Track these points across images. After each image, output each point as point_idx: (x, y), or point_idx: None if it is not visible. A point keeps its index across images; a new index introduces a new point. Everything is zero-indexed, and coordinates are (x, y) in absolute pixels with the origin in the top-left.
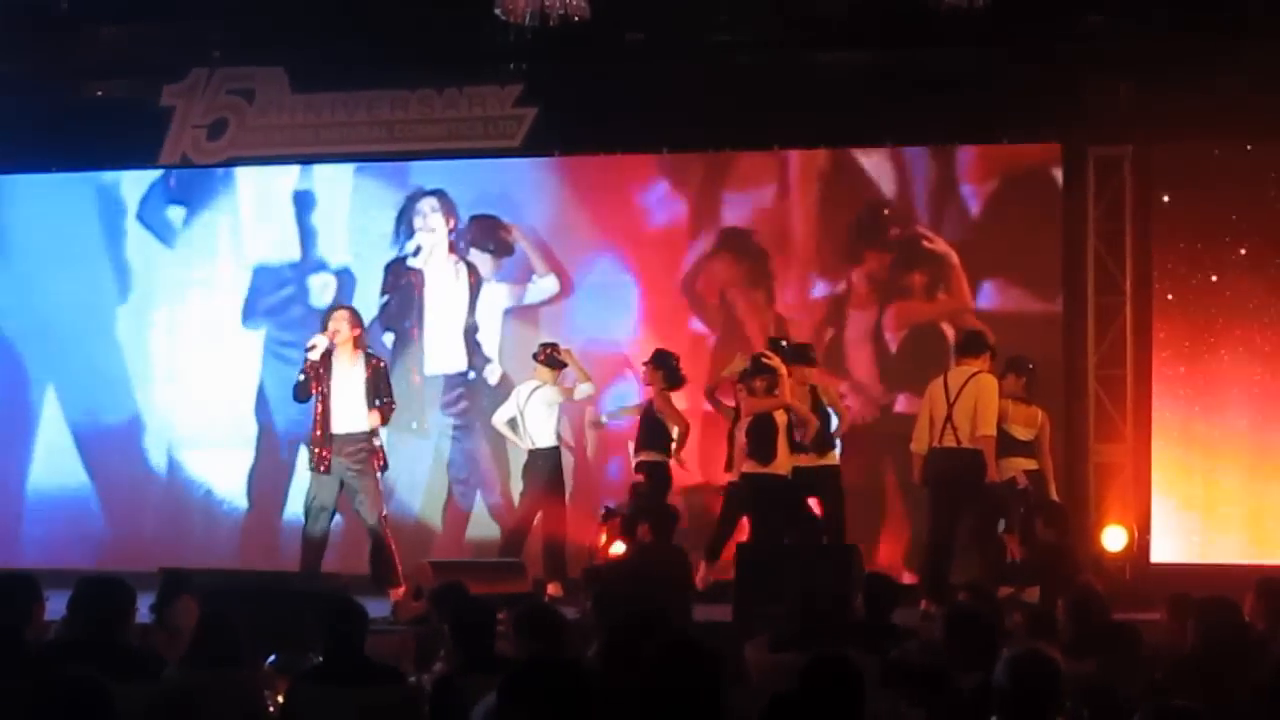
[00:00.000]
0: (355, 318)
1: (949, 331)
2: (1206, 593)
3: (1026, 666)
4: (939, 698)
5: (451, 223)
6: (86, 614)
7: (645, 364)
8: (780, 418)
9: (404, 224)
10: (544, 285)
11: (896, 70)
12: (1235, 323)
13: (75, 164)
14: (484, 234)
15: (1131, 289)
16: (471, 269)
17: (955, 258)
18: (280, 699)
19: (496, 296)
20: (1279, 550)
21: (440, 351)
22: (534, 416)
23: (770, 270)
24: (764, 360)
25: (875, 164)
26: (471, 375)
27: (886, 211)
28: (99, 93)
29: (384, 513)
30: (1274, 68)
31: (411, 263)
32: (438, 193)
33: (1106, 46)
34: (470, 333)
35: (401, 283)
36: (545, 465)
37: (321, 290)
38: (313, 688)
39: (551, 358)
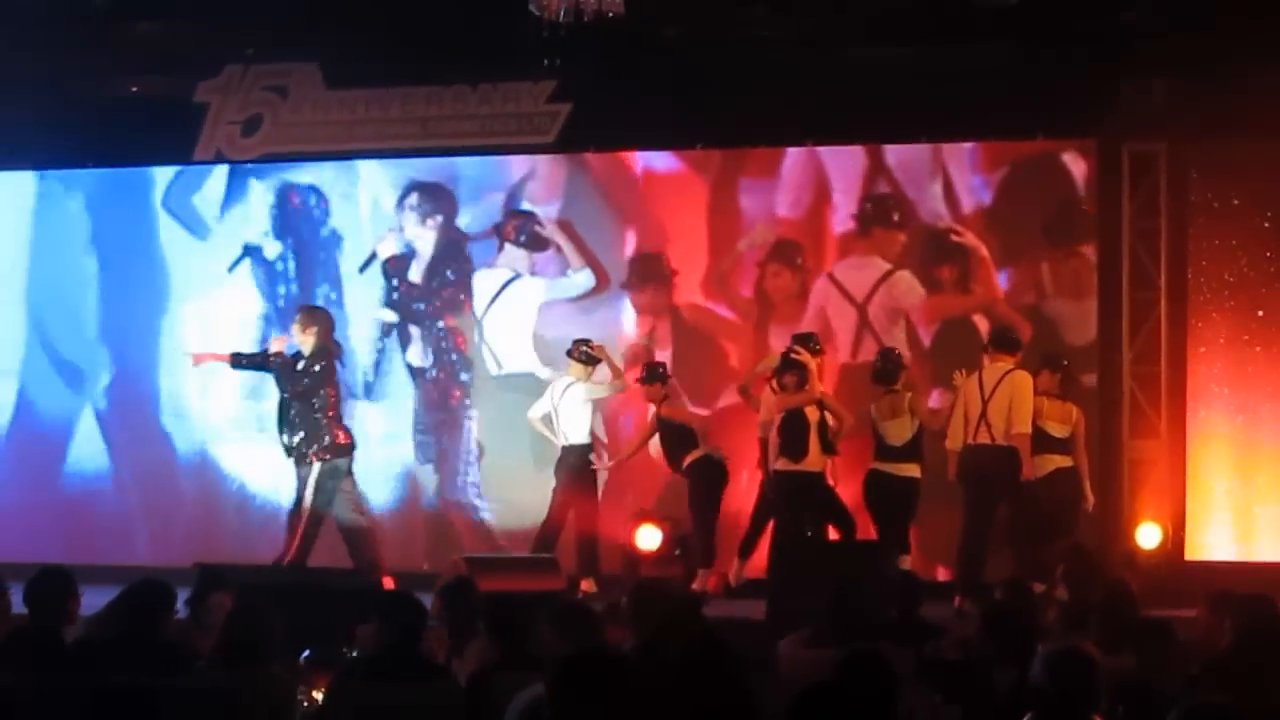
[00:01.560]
0: (308, 319)
1: (982, 324)
2: (1245, 592)
3: (1065, 663)
4: (975, 694)
5: (439, 217)
6: (128, 612)
7: (640, 382)
8: (812, 414)
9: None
10: (579, 280)
11: (931, 67)
12: (1271, 319)
13: (110, 160)
14: (519, 229)
15: (1166, 285)
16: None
17: (984, 250)
18: (317, 694)
19: (532, 291)
20: None
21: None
22: (568, 413)
23: (804, 264)
24: (793, 356)
25: (907, 157)
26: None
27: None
28: (134, 89)
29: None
30: None
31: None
32: (425, 187)
33: (1141, 43)
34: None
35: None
36: (578, 462)
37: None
38: (360, 683)
39: (586, 354)
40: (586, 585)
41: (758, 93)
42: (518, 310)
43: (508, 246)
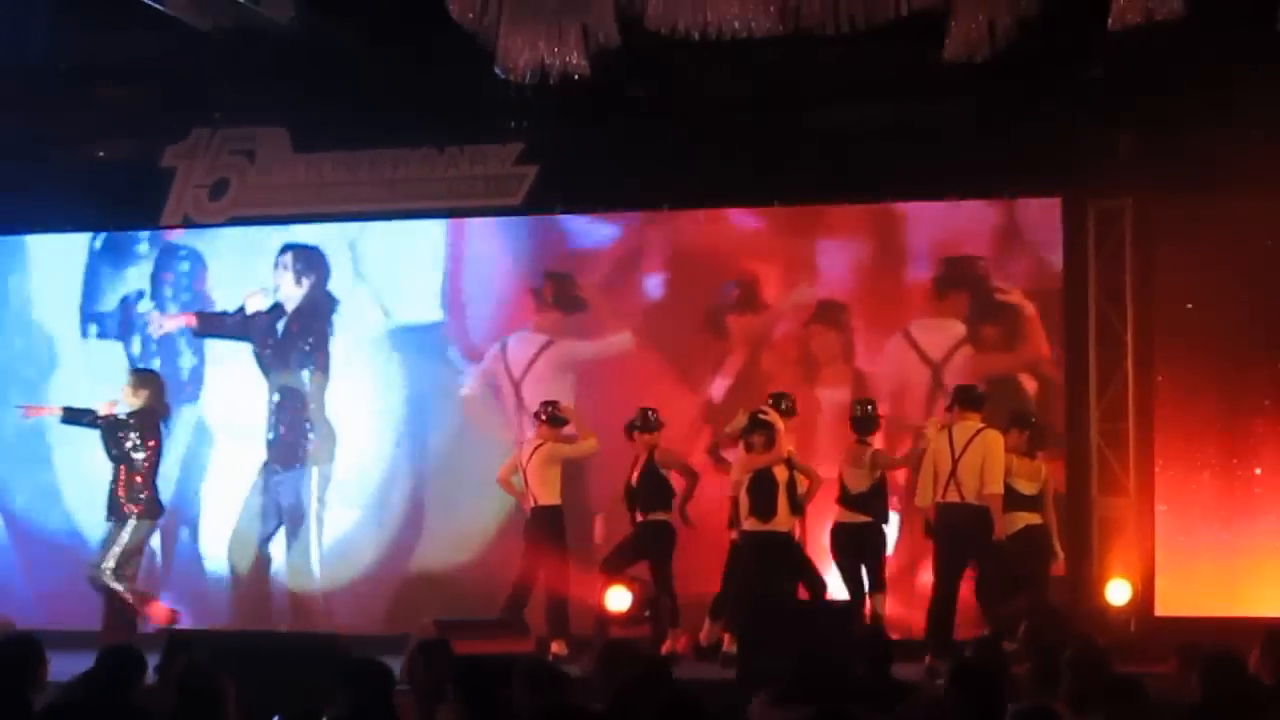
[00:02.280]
0: (139, 382)
1: (1028, 383)
2: (1212, 645)
3: None
4: None
5: (306, 282)
6: (97, 679)
7: (629, 430)
8: (780, 474)
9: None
10: (617, 341)
11: (897, 125)
12: (1237, 374)
13: (78, 225)
14: (555, 291)
15: (1133, 341)
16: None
17: (1030, 308)
18: None
19: (569, 353)
20: None
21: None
22: (536, 474)
23: (850, 324)
24: (761, 416)
25: (941, 215)
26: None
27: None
28: (101, 154)
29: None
30: (1274, 119)
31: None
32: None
33: (1107, 99)
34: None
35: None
36: (548, 523)
37: None
38: None
39: (554, 415)
40: (557, 647)
41: (722, 152)
42: (555, 373)
43: (544, 309)
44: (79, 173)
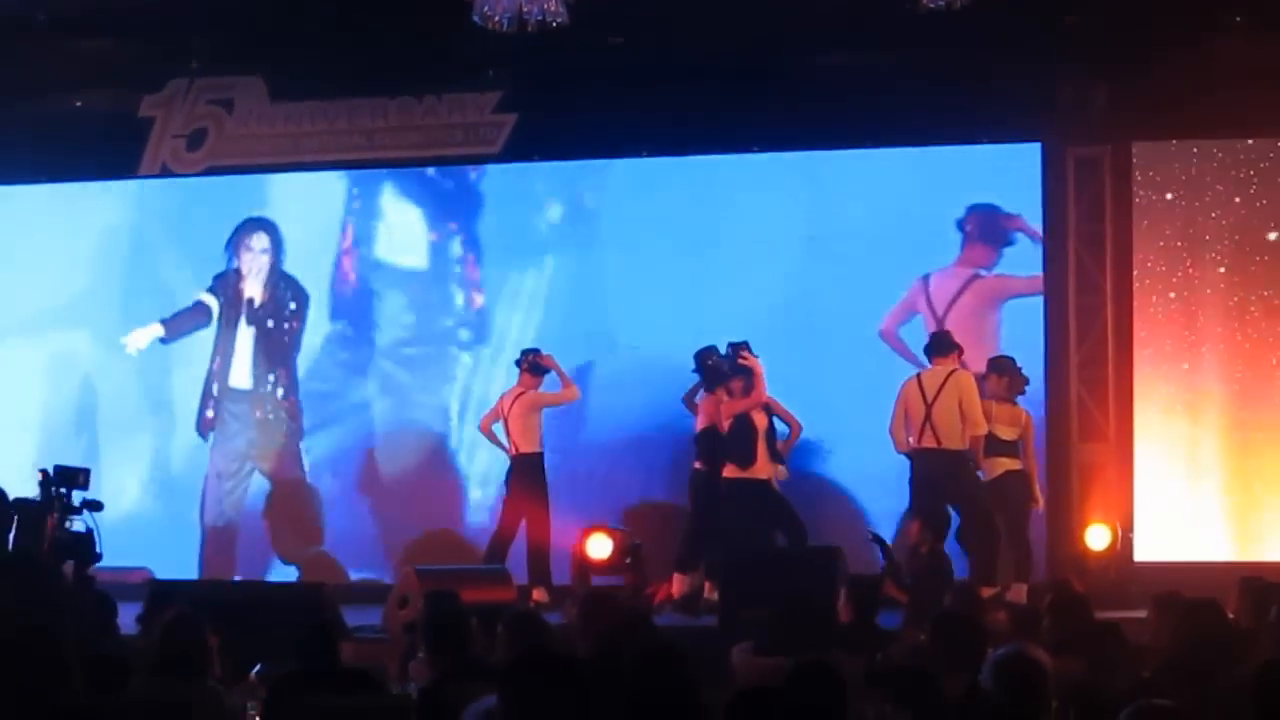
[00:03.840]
0: None
1: None
2: (1191, 591)
3: (1014, 667)
4: (925, 700)
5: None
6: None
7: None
8: (759, 421)
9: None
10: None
11: (876, 72)
12: (1216, 320)
13: (55, 176)
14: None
15: (1112, 289)
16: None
17: None
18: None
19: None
20: (1262, 548)
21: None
22: (518, 422)
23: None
24: (740, 361)
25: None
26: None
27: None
28: (78, 104)
29: None
30: (1250, 66)
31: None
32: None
33: (1084, 47)
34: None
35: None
36: (529, 471)
37: None
38: (290, 696)
39: (535, 364)
40: (538, 595)
41: (701, 101)
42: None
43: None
44: (56, 123)
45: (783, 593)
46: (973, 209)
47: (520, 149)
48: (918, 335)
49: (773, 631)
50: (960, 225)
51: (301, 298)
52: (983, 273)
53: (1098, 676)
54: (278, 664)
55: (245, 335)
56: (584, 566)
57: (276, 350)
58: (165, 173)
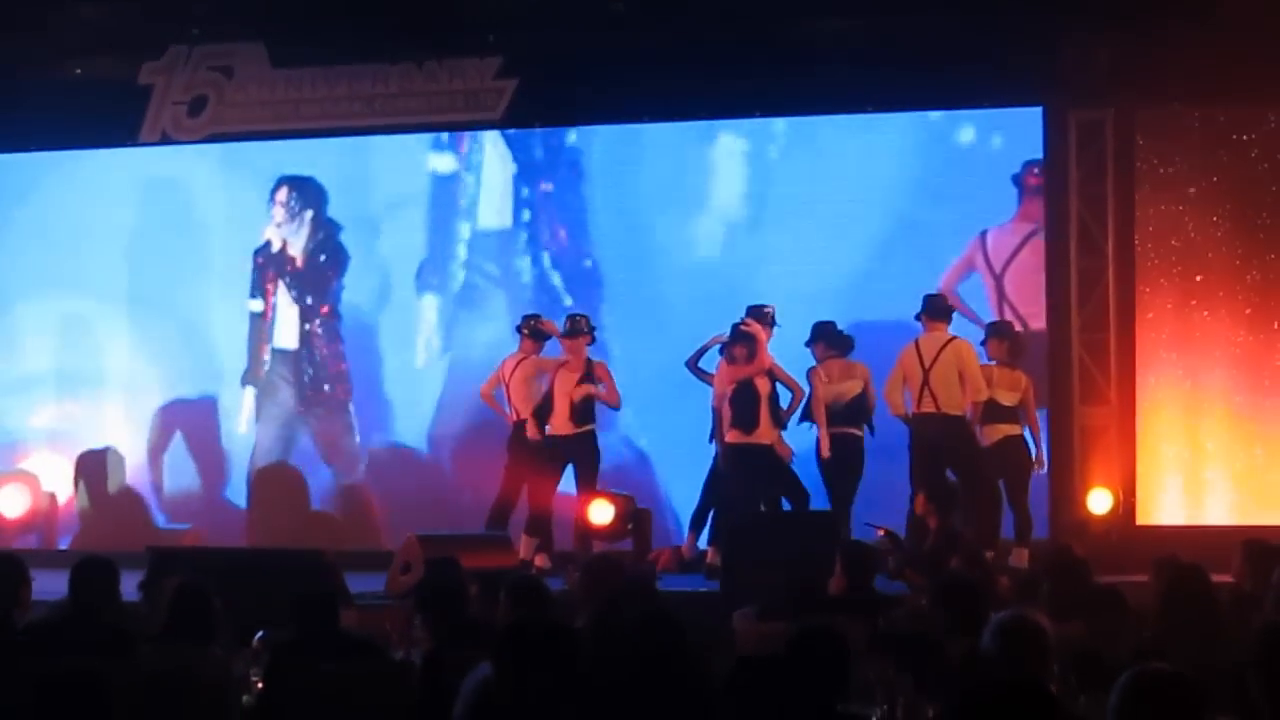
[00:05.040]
0: None
1: None
2: (1191, 555)
3: (1015, 632)
4: (927, 664)
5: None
6: (73, 593)
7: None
8: (762, 386)
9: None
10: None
11: (879, 36)
12: (1218, 284)
13: (55, 143)
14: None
15: (1114, 252)
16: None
17: None
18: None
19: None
20: (1264, 511)
21: None
22: (518, 389)
23: None
24: (743, 328)
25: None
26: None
27: None
28: (78, 71)
29: None
30: (1254, 28)
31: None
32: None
33: (1086, 10)
34: None
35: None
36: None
37: None
38: (291, 662)
39: (535, 330)
40: (540, 561)
41: (704, 67)
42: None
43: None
44: (56, 90)
45: (784, 558)
46: (1030, 164)
47: (521, 115)
48: (977, 292)
49: (773, 597)
50: (1017, 180)
51: (342, 256)
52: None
53: (1098, 640)
54: (280, 630)
55: (286, 294)
56: (586, 532)
57: (317, 309)
58: (165, 140)
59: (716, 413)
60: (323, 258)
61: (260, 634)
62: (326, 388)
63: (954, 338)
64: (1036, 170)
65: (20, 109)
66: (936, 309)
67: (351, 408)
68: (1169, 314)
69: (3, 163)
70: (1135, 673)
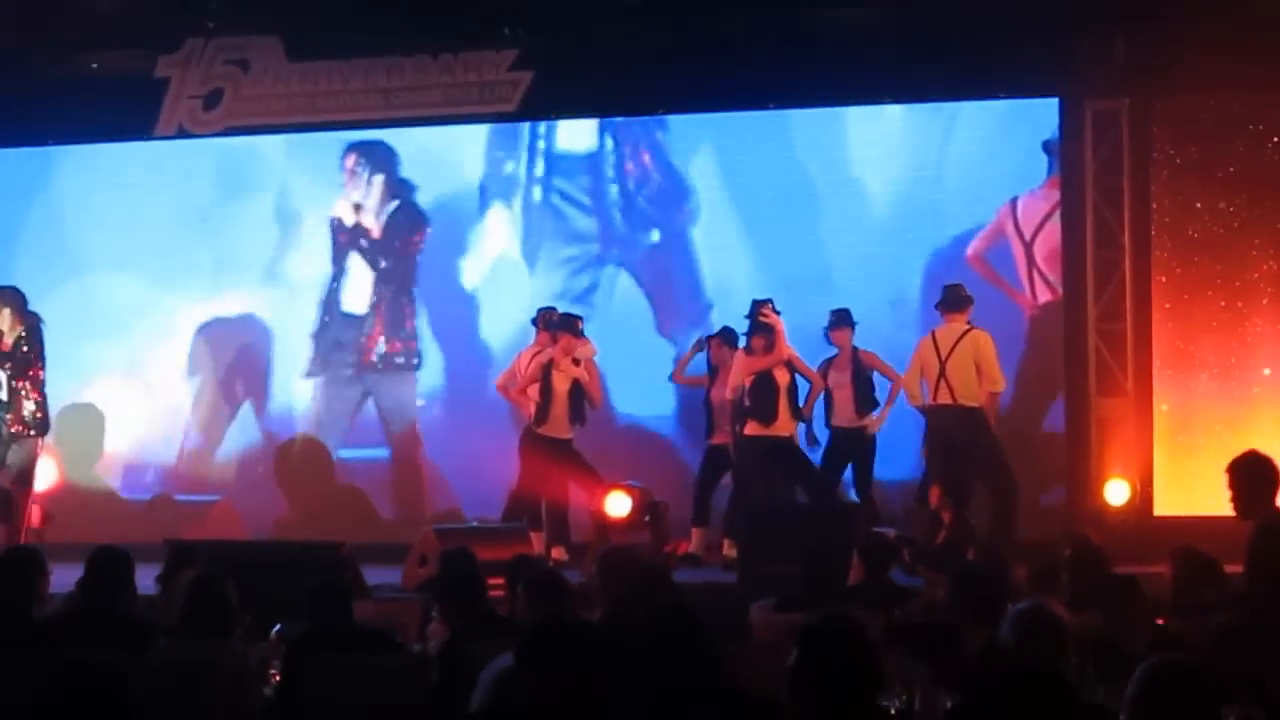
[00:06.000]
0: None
1: None
2: (1209, 546)
3: (1033, 622)
4: (944, 655)
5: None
6: (88, 585)
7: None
8: (781, 378)
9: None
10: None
11: (894, 27)
12: (1235, 274)
13: (72, 137)
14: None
15: (1130, 242)
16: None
17: None
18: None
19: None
20: None
21: None
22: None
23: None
24: (761, 318)
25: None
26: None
27: None
28: (94, 65)
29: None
30: (1271, 17)
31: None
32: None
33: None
34: None
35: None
36: None
37: None
38: (307, 655)
39: (549, 322)
40: (557, 553)
41: (721, 57)
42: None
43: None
44: (72, 84)
45: (802, 550)
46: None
47: (536, 107)
48: (1006, 259)
49: (792, 588)
50: (1047, 147)
51: (421, 221)
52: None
53: (1116, 631)
54: (297, 623)
55: (358, 262)
56: (603, 525)
57: (393, 278)
58: (181, 133)
59: (732, 405)
60: (397, 221)
61: (277, 627)
62: (398, 358)
63: (971, 328)
64: None
65: (37, 103)
66: (953, 300)
67: (417, 376)
68: (1186, 304)
69: (19, 156)
70: (1152, 663)
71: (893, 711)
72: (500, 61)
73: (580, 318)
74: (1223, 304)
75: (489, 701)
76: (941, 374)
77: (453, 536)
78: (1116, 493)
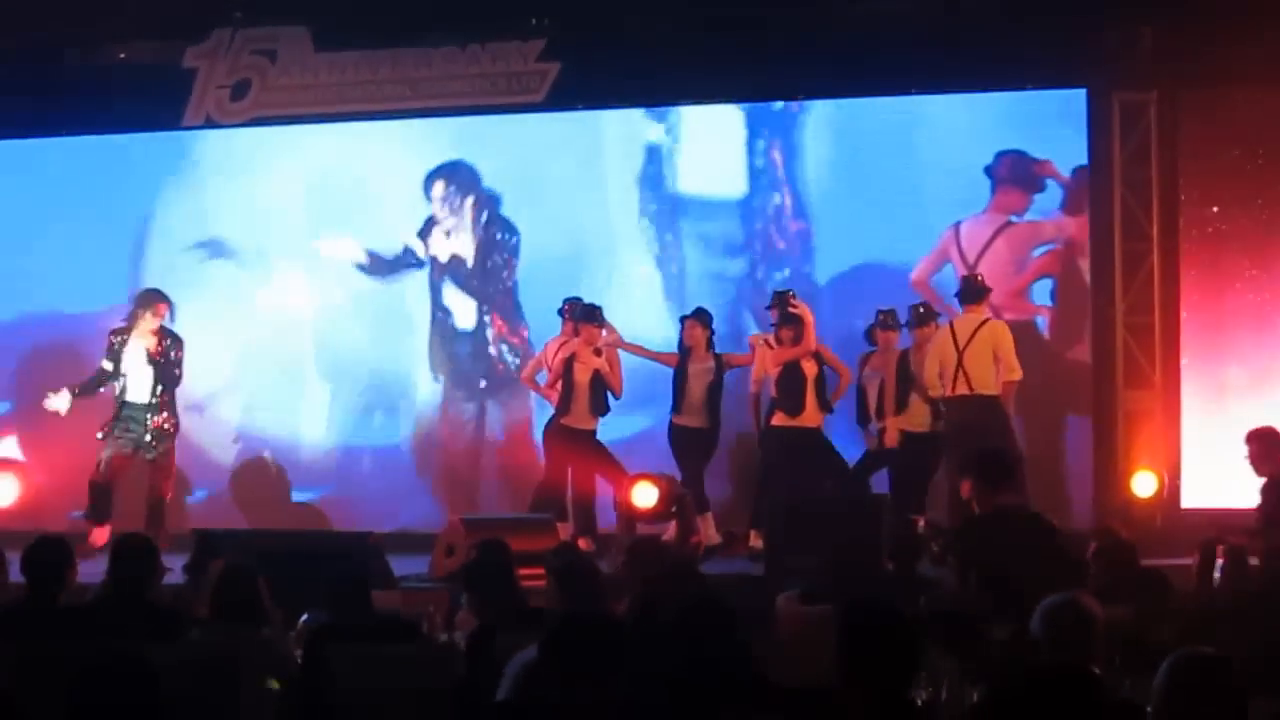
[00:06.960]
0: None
1: None
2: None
3: (1062, 615)
4: (972, 646)
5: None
6: (116, 574)
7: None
8: (809, 369)
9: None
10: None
11: (921, 18)
12: (1263, 267)
13: (99, 128)
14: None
15: (1158, 235)
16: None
17: None
18: None
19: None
20: None
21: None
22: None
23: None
24: (790, 309)
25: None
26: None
27: None
28: (121, 56)
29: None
30: None
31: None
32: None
33: None
34: None
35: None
36: None
37: None
38: (329, 644)
39: (573, 312)
40: (584, 544)
41: (748, 48)
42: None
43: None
44: (100, 75)
45: (829, 541)
46: (1003, 154)
47: (564, 98)
48: (950, 285)
49: (819, 579)
50: (990, 172)
51: (510, 234)
52: (1014, 219)
53: (1143, 623)
54: (324, 613)
55: (454, 280)
56: (629, 515)
57: (491, 292)
58: (209, 124)
59: (756, 397)
60: (492, 239)
61: (304, 617)
62: (503, 368)
63: (989, 319)
64: (1009, 161)
65: (65, 93)
66: (971, 291)
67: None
68: (1213, 297)
69: (48, 147)
70: (1180, 656)
71: (919, 703)
72: (528, 52)
73: (600, 308)
74: (1251, 297)
75: (514, 692)
76: (959, 364)
77: (480, 527)
78: (1144, 485)
